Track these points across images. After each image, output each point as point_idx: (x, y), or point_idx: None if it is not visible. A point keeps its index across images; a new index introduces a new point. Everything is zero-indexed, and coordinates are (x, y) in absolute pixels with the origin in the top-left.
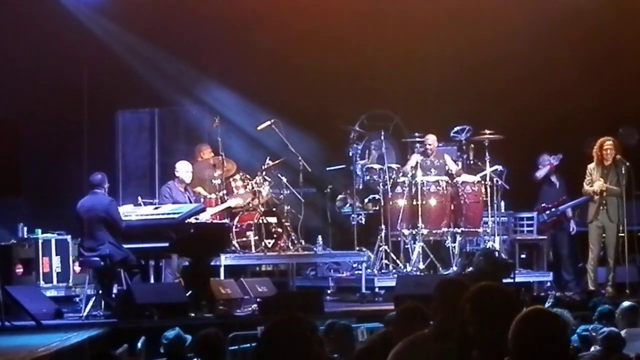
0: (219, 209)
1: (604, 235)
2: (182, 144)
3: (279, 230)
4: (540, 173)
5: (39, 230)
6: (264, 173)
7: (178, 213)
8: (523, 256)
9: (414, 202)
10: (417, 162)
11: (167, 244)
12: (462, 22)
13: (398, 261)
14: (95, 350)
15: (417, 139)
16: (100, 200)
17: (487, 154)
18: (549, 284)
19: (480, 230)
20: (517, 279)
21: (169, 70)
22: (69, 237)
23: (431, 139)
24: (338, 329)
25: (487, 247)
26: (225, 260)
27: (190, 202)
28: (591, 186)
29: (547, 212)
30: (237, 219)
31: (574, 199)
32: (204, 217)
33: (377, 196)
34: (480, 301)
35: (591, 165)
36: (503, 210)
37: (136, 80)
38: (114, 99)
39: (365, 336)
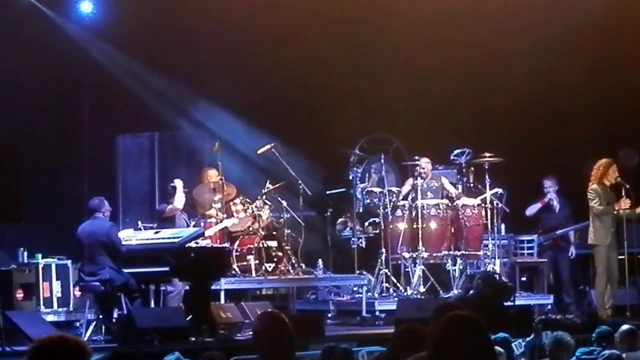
0: (216, 229)
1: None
2: (183, 168)
3: (280, 254)
4: (531, 211)
5: (39, 255)
6: (264, 197)
7: (178, 237)
8: (523, 279)
9: (415, 225)
10: (411, 187)
11: (167, 269)
12: (462, 44)
13: (398, 284)
14: None
15: (412, 163)
16: (101, 224)
17: (487, 176)
18: (549, 306)
19: (481, 253)
20: (518, 302)
21: (169, 94)
22: (69, 262)
23: (424, 162)
24: (338, 352)
25: (487, 270)
26: (225, 284)
27: (187, 224)
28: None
29: (544, 235)
30: (237, 242)
31: (576, 222)
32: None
33: (377, 219)
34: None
35: (594, 187)
36: (503, 233)
37: (136, 104)
38: (114, 124)
39: None
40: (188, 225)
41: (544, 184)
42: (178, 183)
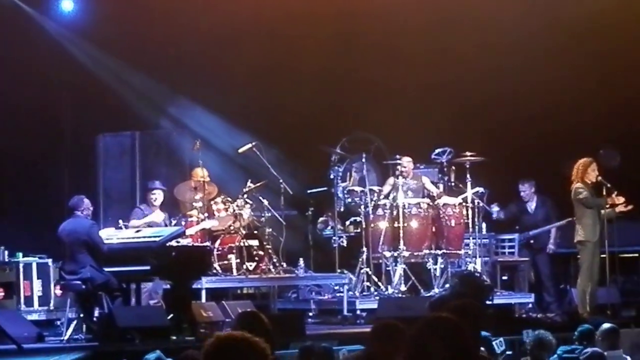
0: (194, 230)
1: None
2: (163, 167)
3: (261, 253)
4: (500, 216)
5: (20, 254)
6: (245, 196)
7: (159, 236)
8: (505, 278)
9: (396, 225)
10: (392, 186)
11: (148, 267)
12: (442, 44)
13: (380, 283)
14: None
15: (394, 162)
16: (82, 223)
17: (468, 175)
18: (530, 305)
19: (462, 252)
20: (499, 301)
21: (150, 93)
22: (50, 261)
23: (405, 161)
24: (319, 351)
25: (464, 269)
26: (206, 283)
27: (165, 224)
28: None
29: (520, 235)
30: (218, 241)
31: (559, 219)
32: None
33: (358, 218)
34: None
35: (579, 184)
36: (484, 232)
37: (117, 103)
38: (94, 123)
39: None
40: (166, 225)
41: (519, 187)
42: (159, 195)
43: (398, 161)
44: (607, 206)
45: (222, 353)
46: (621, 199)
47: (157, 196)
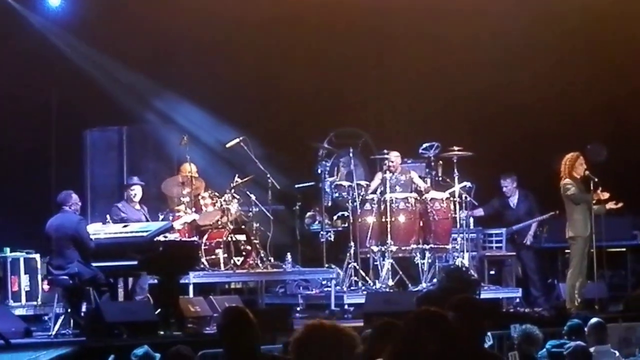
0: (177, 224)
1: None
2: (151, 162)
3: (248, 247)
4: (477, 212)
5: (8, 249)
6: (232, 190)
7: (147, 231)
8: (492, 272)
9: (383, 219)
10: (380, 181)
11: (136, 262)
12: (430, 38)
13: (367, 278)
14: None
15: (382, 156)
16: (69, 218)
17: (455, 170)
18: (517, 300)
19: (449, 246)
20: (486, 295)
21: (137, 88)
22: (37, 256)
23: (393, 155)
24: None
25: (451, 264)
26: (194, 278)
27: (146, 218)
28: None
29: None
30: (206, 236)
31: (541, 213)
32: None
33: (346, 213)
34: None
35: (568, 179)
36: (472, 227)
37: (104, 98)
38: (82, 118)
39: None
40: (147, 220)
41: (501, 182)
42: (138, 191)
43: (386, 156)
44: (594, 202)
45: (312, 340)
46: (606, 195)
47: (136, 192)
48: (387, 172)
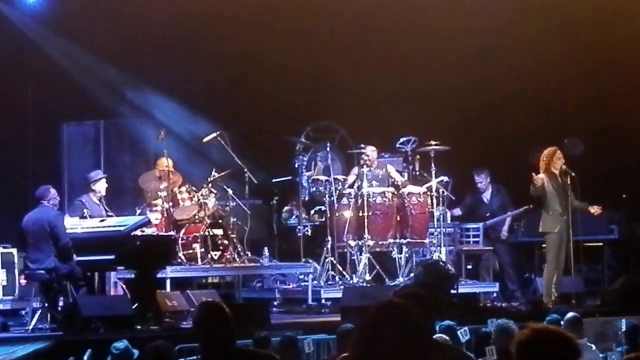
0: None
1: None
2: (127, 156)
3: (225, 242)
4: (456, 212)
5: None
6: (209, 185)
7: (124, 226)
8: (469, 267)
9: (360, 214)
10: (356, 176)
11: (113, 257)
12: (406, 31)
13: (344, 272)
14: None
15: (359, 151)
16: (47, 213)
17: (432, 165)
18: (494, 294)
19: (427, 241)
20: (464, 290)
21: (114, 82)
22: (14, 250)
23: (370, 150)
24: (284, 340)
25: (428, 258)
26: (171, 272)
27: (106, 213)
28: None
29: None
30: (183, 231)
31: (516, 207)
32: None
33: (323, 208)
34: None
35: (541, 175)
36: (449, 221)
37: (81, 93)
38: (59, 112)
39: (312, 348)
40: (108, 215)
41: (475, 178)
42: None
43: (362, 150)
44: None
45: (537, 345)
46: (598, 210)
47: (103, 185)
48: (364, 166)
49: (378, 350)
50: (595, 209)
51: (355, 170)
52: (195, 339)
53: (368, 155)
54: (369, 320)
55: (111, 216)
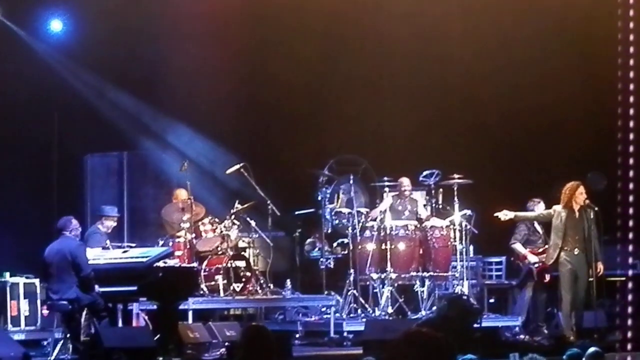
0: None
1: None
2: (150, 188)
3: (248, 274)
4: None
5: (7, 274)
6: (232, 217)
7: (146, 257)
8: (492, 301)
9: (383, 247)
10: (390, 205)
11: (135, 288)
12: (430, 64)
13: (367, 305)
14: None
15: (388, 183)
16: (69, 243)
17: (455, 198)
18: (517, 328)
19: (449, 274)
20: (486, 324)
21: (138, 114)
22: (37, 281)
23: (406, 182)
24: None
25: (452, 292)
26: (193, 304)
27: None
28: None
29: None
30: (205, 262)
31: None
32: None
33: (345, 240)
34: None
35: (557, 207)
36: (472, 255)
37: (105, 124)
38: (83, 143)
39: None
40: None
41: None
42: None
43: (397, 183)
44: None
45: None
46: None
47: (114, 223)
48: (401, 197)
49: None
50: (599, 268)
51: (388, 199)
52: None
53: (406, 187)
54: (397, 349)
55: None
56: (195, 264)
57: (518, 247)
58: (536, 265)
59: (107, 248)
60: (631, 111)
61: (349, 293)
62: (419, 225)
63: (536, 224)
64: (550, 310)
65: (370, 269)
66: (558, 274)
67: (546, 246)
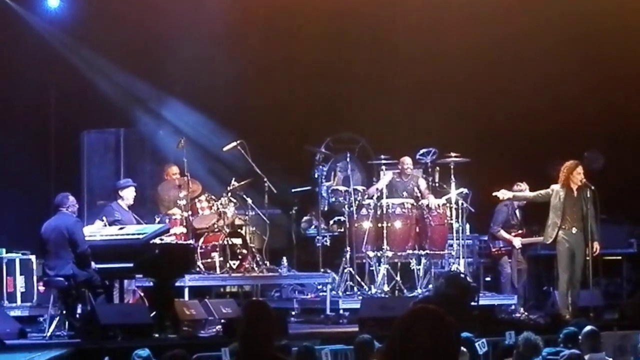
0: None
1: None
2: (147, 164)
3: (244, 251)
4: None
5: (3, 250)
6: (229, 194)
7: (143, 234)
8: (488, 279)
9: (379, 225)
10: (389, 182)
11: (131, 265)
12: (427, 44)
13: (363, 283)
14: None
15: (385, 161)
16: (66, 220)
17: (452, 176)
18: (513, 306)
19: (445, 252)
20: (483, 302)
21: (135, 90)
22: (33, 257)
23: (408, 161)
24: (301, 350)
25: (448, 270)
26: (189, 281)
27: (137, 221)
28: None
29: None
30: (202, 240)
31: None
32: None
33: (342, 218)
34: None
35: (556, 186)
36: (468, 233)
37: (102, 100)
38: (80, 119)
39: (330, 358)
40: (138, 223)
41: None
42: (132, 192)
43: (397, 162)
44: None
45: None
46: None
47: (131, 193)
48: (401, 175)
49: (410, 355)
50: (595, 248)
51: (389, 175)
52: (232, 336)
53: (407, 165)
54: (403, 324)
55: (140, 224)
56: (191, 241)
57: (503, 233)
58: (519, 249)
59: (104, 225)
60: None
61: (345, 271)
62: (415, 204)
63: (517, 209)
64: (546, 289)
65: (367, 247)
66: (555, 253)
67: (520, 231)
